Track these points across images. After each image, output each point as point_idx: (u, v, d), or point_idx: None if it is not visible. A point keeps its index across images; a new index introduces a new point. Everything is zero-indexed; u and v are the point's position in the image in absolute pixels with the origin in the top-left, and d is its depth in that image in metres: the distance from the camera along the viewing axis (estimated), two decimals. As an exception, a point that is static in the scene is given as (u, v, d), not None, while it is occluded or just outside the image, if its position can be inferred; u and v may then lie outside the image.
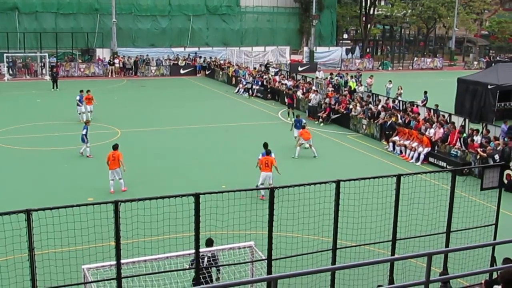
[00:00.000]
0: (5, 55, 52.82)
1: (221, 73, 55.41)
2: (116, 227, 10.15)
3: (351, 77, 47.40)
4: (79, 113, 33.56)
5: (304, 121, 29.23)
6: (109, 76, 56.59)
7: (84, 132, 25.85)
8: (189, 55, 62.25)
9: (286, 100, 39.55)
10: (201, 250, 11.04)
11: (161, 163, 25.49)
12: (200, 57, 61.81)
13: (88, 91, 34.15)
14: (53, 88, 46.80)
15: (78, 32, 58.71)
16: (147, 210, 10.96)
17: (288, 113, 37.13)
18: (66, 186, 21.90)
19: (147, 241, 14.00)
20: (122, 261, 10.59)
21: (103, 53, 59.08)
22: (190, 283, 11.41)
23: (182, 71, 59.39)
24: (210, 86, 51.70)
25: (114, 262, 10.48)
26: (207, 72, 58.95)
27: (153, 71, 58.78)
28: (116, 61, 57.84)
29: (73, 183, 22.43)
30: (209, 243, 13.08)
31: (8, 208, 10.06)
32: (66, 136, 30.10)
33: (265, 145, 21.82)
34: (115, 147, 21.98)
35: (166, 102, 42.04)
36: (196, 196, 10.48)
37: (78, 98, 33.69)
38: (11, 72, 53.85)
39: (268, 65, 55.10)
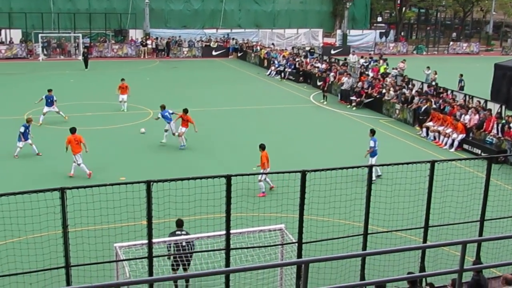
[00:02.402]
0: (40, 35, 53.51)
1: (253, 55, 55.29)
2: (148, 206, 10.25)
3: (383, 60, 46.91)
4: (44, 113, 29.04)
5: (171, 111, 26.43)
6: (142, 57, 56.91)
7: (22, 130, 23.28)
8: (225, 36, 62.18)
9: (319, 83, 39.39)
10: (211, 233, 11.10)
11: (192, 144, 25.60)
12: (232, 38, 61.72)
13: (122, 79, 32.62)
14: (86, 67, 47.34)
15: (111, 13, 59.11)
16: (179, 190, 11.04)
17: (323, 96, 37.02)
18: (99, 166, 22.17)
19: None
20: (154, 240, 10.71)
21: (135, 34, 59.45)
22: (220, 263, 11.49)
23: (214, 53, 59.42)
24: (242, 68, 51.65)
25: (146, 241, 10.60)
26: (239, 54, 58.88)
27: (185, 53, 58.93)
28: (149, 42, 58.15)
29: (106, 162, 22.70)
30: (180, 224, 13.29)
31: (43, 186, 10.23)
32: (98, 116, 30.45)
33: (263, 146, 20.14)
34: (74, 130, 21.34)
35: (198, 84, 42.13)
36: (228, 178, 10.50)
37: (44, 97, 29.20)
38: (45, 52, 54.53)
39: (312, 51, 54.22)
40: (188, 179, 10.52)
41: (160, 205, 11.31)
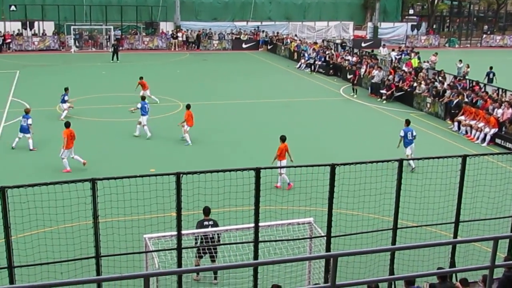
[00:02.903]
0: (72, 27, 54.12)
1: (283, 48, 55.14)
2: (177, 198, 10.30)
3: (415, 53, 46.39)
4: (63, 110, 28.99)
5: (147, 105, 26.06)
6: (172, 49, 57.17)
7: (30, 122, 23.40)
8: (255, 29, 62.16)
9: (349, 76, 39.16)
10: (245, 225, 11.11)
11: (221, 136, 25.69)
12: (263, 31, 61.62)
13: (141, 78, 32.23)
14: (112, 59, 47.65)
15: (142, 6, 59.55)
16: (208, 183, 11.07)
17: (353, 89, 36.80)
18: (129, 157, 22.39)
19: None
20: (183, 232, 10.77)
21: (166, 27, 59.77)
22: (248, 256, 11.52)
23: (244, 45, 59.41)
24: (272, 60, 51.56)
25: (175, 233, 10.66)
26: (269, 47, 58.77)
27: (215, 45, 59.04)
28: (179, 34, 58.38)
29: (136, 154, 22.90)
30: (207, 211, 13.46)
31: (74, 177, 10.37)
32: (127, 109, 30.69)
33: (283, 138, 20.16)
34: (68, 124, 21.37)
35: (228, 76, 42.19)
36: (257, 171, 10.50)
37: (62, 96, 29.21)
38: (77, 44, 55.15)
39: (344, 44, 53.78)
40: (217, 171, 10.55)
41: (189, 197, 11.37)
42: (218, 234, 13.00)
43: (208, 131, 26.68)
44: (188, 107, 24.92)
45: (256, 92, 36.43)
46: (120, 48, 51.25)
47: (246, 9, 63.97)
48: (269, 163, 19.29)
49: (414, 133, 22.28)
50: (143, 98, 26.56)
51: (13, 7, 54.06)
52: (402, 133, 22.08)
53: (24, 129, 23.49)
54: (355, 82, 37.16)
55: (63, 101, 28.66)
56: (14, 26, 54.69)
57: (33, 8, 55.77)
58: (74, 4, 56.23)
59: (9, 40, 53.14)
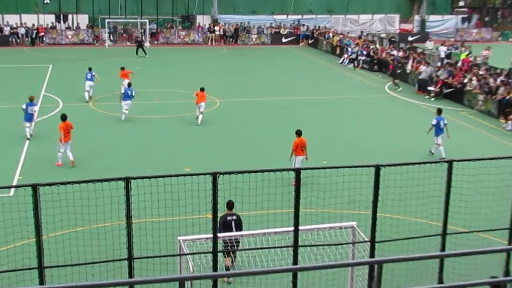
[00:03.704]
0: (106, 20, 54.68)
1: (324, 42, 54.83)
2: (213, 199, 10.25)
3: (465, 47, 45.59)
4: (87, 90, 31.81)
5: (134, 91, 27.95)
6: (209, 43, 57.43)
7: (35, 109, 24.74)
8: (296, 22, 62.00)
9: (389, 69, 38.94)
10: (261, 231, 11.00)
11: (259, 135, 25.66)
12: (303, 25, 61.39)
13: (122, 68, 33.54)
14: (137, 54, 47.97)
15: (178, -2, 59.92)
16: (246, 183, 11.01)
17: (394, 84, 36.53)
18: (164, 155, 22.54)
19: (245, 215, 14.14)
20: (219, 234, 10.74)
21: (203, 20, 60.04)
22: (287, 261, 11.42)
23: (284, 40, 59.31)
24: (313, 56, 51.34)
25: (211, 235, 10.63)
26: (310, 41, 58.54)
27: (253, 40, 59.08)
28: (216, 28, 58.60)
29: (171, 152, 23.04)
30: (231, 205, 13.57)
31: (108, 175, 10.43)
32: (164, 105, 30.95)
33: (299, 132, 20.27)
34: (65, 117, 21.56)
35: (267, 72, 42.16)
36: (297, 172, 10.40)
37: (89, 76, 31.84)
38: (112, 38, 55.86)
39: (394, 39, 52.99)
40: (256, 171, 10.47)
41: (226, 198, 11.35)
42: (241, 229, 13.30)
43: (246, 129, 26.69)
44: (201, 89, 27.41)
45: (297, 89, 36.29)
46: (144, 43, 51.04)
47: (286, 1, 63.81)
48: (310, 164, 19.17)
49: (446, 122, 23.14)
50: (129, 84, 28.24)
51: (47, 0, 54.94)
52: (434, 121, 23.00)
53: (29, 118, 24.17)
54: (394, 75, 37.41)
55: (90, 79, 31.10)
56: (47, 19, 55.68)
57: (67, 1, 56.65)
58: (109, -3, 56.94)
59: (42, 34, 54.17)
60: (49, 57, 46.17)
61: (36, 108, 24.80)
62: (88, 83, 31.67)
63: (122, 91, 28.65)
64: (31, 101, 24.46)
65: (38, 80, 36.57)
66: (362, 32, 58.13)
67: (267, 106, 31.40)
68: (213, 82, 36.80)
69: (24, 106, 24.13)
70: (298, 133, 20.08)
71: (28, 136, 24.19)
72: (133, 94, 27.83)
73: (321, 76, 41.51)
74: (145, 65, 43.91)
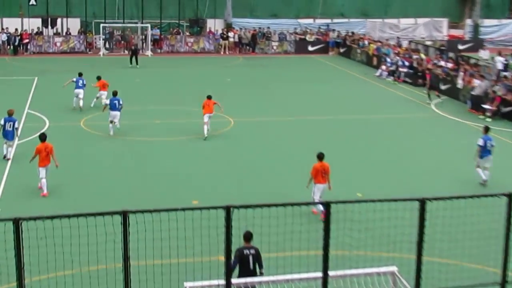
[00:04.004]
0: (101, 25, 55.32)
1: (358, 51, 54.98)
2: (227, 238, 10.22)
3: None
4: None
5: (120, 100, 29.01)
6: (222, 52, 57.84)
7: (17, 125, 25.24)
8: (325, 27, 62.35)
9: (443, 87, 38.88)
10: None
11: (280, 161, 25.66)
12: (334, 30, 61.64)
13: (98, 78, 34.47)
14: (131, 63, 48.58)
15: (186, -1, 60.40)
16: (265, 219, 11.02)
17: (429, 96, 37.17)
18: (168, 185, 22.60)
19: (264, 257, 14.11)
20: (233, 281, 10.72)
21: (215, 25, 60.38)
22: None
23: (310, 48, 59.57)
24: (345, 67, 51.46)
25: (223, 282, 10.61)
26: (341, 50, 58.76)
27: (274, 48, 59.40)
28: (231, 34, 58.99)
29: (175, 181, 23.09)
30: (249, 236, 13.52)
31: (102, 208, 10.47)
32: (169, 125, 31.12)
33: (321, 156, 20.21)
34: (43, 137, 21.63)
35: (290, 86, 42.28)
36: (327, 205, 10.37)
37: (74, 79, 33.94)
38: (107, 45, 56.50)
39: (443, 47, 52.86)
40: (276, 205, 10.44)
41: (241, 237, 11.34)
42: (260, 264, 13.28)
43: (265, 154, 26.72)
44: (208, 97, 29.13)
45: (325, 106, 36.33)
46: (139, 50, 51.17)
47: (313, 3, 64.25)
48: (342, 196, 19.12)
49: (493, 143, 23.00)
50: (114, 93, 29.15)
51: (32, 1, 55.30)
52: (481, 142, 22.70)
53: (9, 135, 24.50)
54: (429, 86, 38.03)
55: (80, 87, 33.12)
56: (33, 24, 56.14)
57: (56, 2, 57.09)
58: (104, -3, 57.43)
59: (26, 40, 54.85)
60: (34, 68, 46.76)
61: (17, 124, 25.09)
62: (78, 91, 33.02)
63: (106, 101, 29.62)
64: (10, 116, 24.80)
65: (21, 95, 36.96)
66: (398, 38, 58.13)
67: (290, 127, 31.44)
68: (226, 97, 36.87)
69: (2, 122, 24.49)
70: (320, 157, 19.99)
71: (5, 153, 24.49)
72: (121, 103, 28.65)
73: (354, 91, 41.55)
74: (146, 78, 44.28)
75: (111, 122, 28.60)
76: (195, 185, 22.68)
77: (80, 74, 33.98)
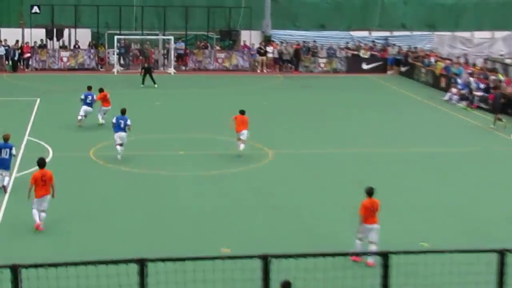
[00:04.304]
0: (115, 37, 55.67)
1: (423, 70, 54.79)
2: (264, 293, 10.25)
3: None
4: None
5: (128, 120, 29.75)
6: (258, 70, 58.12)
7: (14, 152, 25.66)
8: (373, 42, 62.32)
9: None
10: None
11: (327, 201, 25.56)
12: (393, 45, 61.56)
13: (101, 90, 36.30)
14: (143, 83, 48.57)
15: (216, 7, 60.38)
16: (309, 271, 11.01)
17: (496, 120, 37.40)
18: (193, 228, 22.60)
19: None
20: None
21: (250, 38, 60.40)
22: None
23: (365, 66, 59.53)
24: (406, 89, 51.28)
25: None
26: (402, 69, 58.61)
27: (321, 65, 59.43)
28: (269, 49, 59.12)
29: (203, 225, 23.10)
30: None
31: (115, 254, 10.54)
32: (194, 156, 31.23)
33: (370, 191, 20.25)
34: (42, 163, 21.70)
35: (339, 112, 42.23)
36: (384, 256, 10.33)
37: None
38: (122, 61, 56.95)
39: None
40: (323, 255, 10.43)
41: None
42: None
43: (306, 192, 26.63)
44: (241, 112, 30.93)
45: (382, 136, 36.18)
46: (153, 68, 50.84)
47: (368, 12, 64.16)
48: (404, 245, 18.99)
49: None
50: (122, 111, 30.04)
51: (35, 8, 55.65)
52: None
53: (5, 163, 24.83)
54: (494, 109, 38.49)
55: (89, 103, 34.67)
56: (35, 35, 56.53)
57: (63, 10, 57.72)
58: (119, 4, 57.42)
59: (27, 55, 55.42)
60: (36, 87, 47.34)
61: (14, 151, 25.33)
62: (86, 108, 34.41)
63: (114, 120, 30.07)
64: (6, 141, 25.11)
65: (20, 119, 37.32)
66: (471, 55, 57.77)
67: (339, 160, 31.31)
68: (263, 125, 36.94)
69: None
70: (369, 193, 19.93)
71: (5, 184, 24.81)
72: (128, 124, 29.30)
73: (418, 118, 41.31)
74: (168, 101, 44.53)
75: (119, 145, 29.35)
76: (225, 229, 22.64)
77: (89, 88, 35.30)
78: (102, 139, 32.78)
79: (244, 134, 30.01)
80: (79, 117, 34.93)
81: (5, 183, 24.98)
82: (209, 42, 60.28)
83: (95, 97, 34.96)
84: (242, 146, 29.94)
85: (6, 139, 25.23)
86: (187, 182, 27.72)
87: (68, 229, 22.06)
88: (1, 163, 24.82)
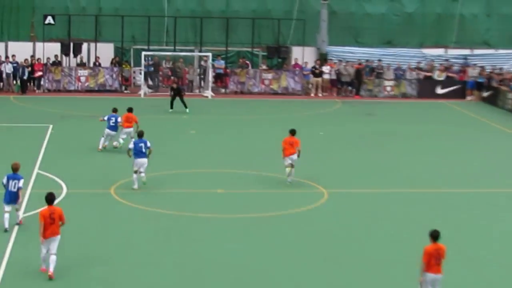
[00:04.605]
0: (143, 53, 55.70)
1: (510, 95, 54.37)
2: None
3: None
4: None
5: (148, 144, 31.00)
6: (312, 94, 58.33)
7: (21, 184, 25.62)
8: (449, 61, 62.01)
9: None
10: None
11: (395, 251, 25.41)
12: (474, 65, 61.17)
13: (130, 110, 37.91)
14: (171, 107, 48.75)
15: (262, 18, 60.77)
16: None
17: None
18: (232, 282, 22.55)
19: None
20: None
21: (303, 55, 60.18)
22: None
23: (439, 91, 59.31)
24: (490, 118, 50.97)
25: None
26: (484, 94, 58.21)
27: (388, 89, 59.30)
28: (326, 69, 59.09)
29: (244, 277, 23.02)
30: None
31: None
32: (235, 196, 31.19)
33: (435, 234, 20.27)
34: (51, 198, 21.60)
35: (409, 145, 42.01)
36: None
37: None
38: (150, 82, 57.15)
39: None
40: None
41: None
42: None
43: (370, 241, 26.49)
44: (292, 132, 31.99)
45: (461, 174, 35.94)
46: (183, 91, 50.50)
47: (444, 26, 63.90)
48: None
49: None
50: (140, 134, 31.54)
51: (49, 19, 55.96)
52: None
53: (12, 197, 24.94)
54: None
55: (112, 127, 36.15)
56: (49, 50, 56.65)
57: (81, 21, 58.43)
58: (148, 14, 58.08)
59: (39, 73, 55.74)
60: (48, 112, 47.83)
61: (22, 183, 25.35)
62: (109, 132, 36.00)
63: (131, 145, 31.58)
64: (15, 171, 25.19)
65: (29, 149, 37.51)
66: None
67: (407, 202, 31.04)
68: (318, 159, 36.91)
69: (4, 180, 24.99)
70: (434, 236, 19.78)
71: (7, 227, 24.89)
72: (148, 146, 30.46)
73: (504, 154, 40.99)
74: (204, 129, 44.68)
75: (136, 172, 30.22)
76: (271, 285, 22.57)
77: (114, 110, 36.54)
78: (126, 173, 32.78)
79: (293, 159, 30.64)
80: (102, 139, 36.47)
81: (17, 220, 25.33)
82: (253, 60, 60.39)
83: (119, 119, 36.05)
84: (289, 172, 30.35)
85: (15, 169, 25.26)
86: (228, 227, 27.49)
87: (85, 278, 22.10)
88: (7, 197, 24.93)
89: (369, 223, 28.61)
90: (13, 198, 25.03)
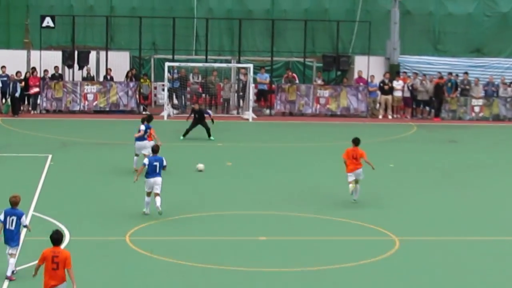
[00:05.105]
0: (166, 64, 56.04)
1: None
2: None
3: None
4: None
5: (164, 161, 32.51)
6: (380, 116, 58.72)
7: (24, 221, 25.86)
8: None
9: None
10: None
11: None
12: None
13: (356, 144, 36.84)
14: (187, 133, 48.81)
15: (317, 20, 61.23)
16: None
17: None
18: None
19: None
20: None
21: (368, 67, 60.34)
22: None
23: (542, 112, 59.28)
24: None
25: None
26: None
27: (476, 109, 59.27)
28: (397, 84, 59.24)
29: None
30: None
31: None
32: (280, 243, 31.31)
33: None
34: (57, 238, 21.34)
35: (501, 180, 41.92)
36: None
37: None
38: (176, 101, 57.31)
39: None
40: None
41: None
42: None
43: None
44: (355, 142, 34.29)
45: None
46: (210, 114, 50.43)
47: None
48: None
49: None
50: (154, 149, 33.16)
51: (47, 20, 56.01)
52: None
53: (12, 237, 25.07)
54: None
55: (145, 139, 37.93)
56: (47, 60, 56.74)
57: (89, 25, 59.15)
58: (173, 15, 58.49)
59: (35, 90, 56.09)
60: (46, 138, 48.27)
61: (25, 219, 25.50)
62: (141, 144, 37.39)
63: (146, 161, 32.70)
64: (13, 206, 25.32)
65: (23, 185, 37.54)
66: None
67: (494, 251, 31.03)
68: (388, 198, 36.97)
69: (1, 217, 25.13)
70: None
71: (9, 274, 25.04)
72: (164, 164, 31.90)
73: None
74: (243, 160, 44.91)
75: (149, 194, 31.32)
76: None
77: (148, 120, 38.76)
78: (142, 220, 32.89)
79: (359, 173, 31.84)
80: (135, 158, 38.25)
81: (10, 270, 25.18)
82: (306, 73, 60.52)
83: (151, 126, 37.95)
84: (353, 188, 31.48)
85: (13, 203, 25.33)
86: (269, 281, 27.65)
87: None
88: (7, 237, 25.08)
89: (449, 275, 28.60)
90: (11, 238, 25.05)
